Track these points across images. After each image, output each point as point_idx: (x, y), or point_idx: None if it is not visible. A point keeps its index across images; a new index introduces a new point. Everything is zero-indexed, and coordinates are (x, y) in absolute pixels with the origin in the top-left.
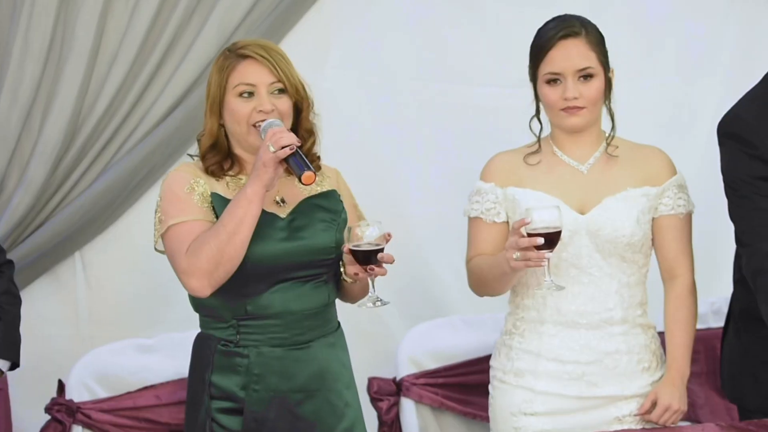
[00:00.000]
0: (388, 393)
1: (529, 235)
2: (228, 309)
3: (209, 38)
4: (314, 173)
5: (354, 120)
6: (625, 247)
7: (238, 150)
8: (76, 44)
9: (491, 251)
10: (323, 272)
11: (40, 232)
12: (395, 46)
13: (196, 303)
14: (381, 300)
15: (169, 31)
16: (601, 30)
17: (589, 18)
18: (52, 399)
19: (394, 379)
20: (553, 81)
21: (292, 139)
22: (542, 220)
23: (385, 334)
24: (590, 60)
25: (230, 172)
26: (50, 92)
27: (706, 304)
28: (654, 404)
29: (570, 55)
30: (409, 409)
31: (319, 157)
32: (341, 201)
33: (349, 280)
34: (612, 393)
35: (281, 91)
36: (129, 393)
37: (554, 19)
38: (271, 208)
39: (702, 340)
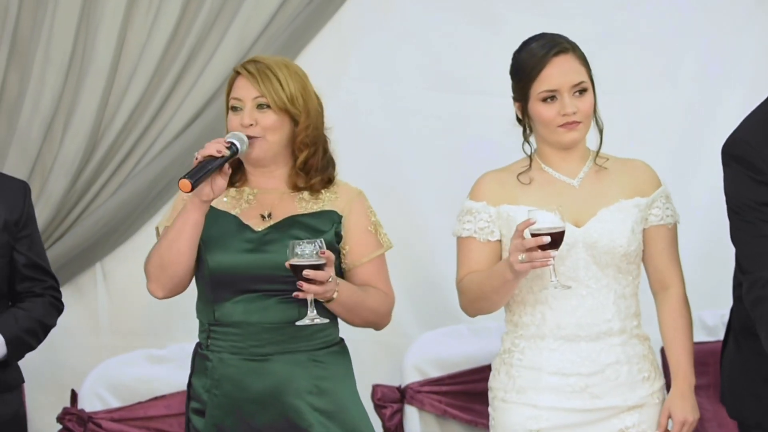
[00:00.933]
0: (391, 400)
1: (534, 235)
2: (203, 313)
3: (228, 51)
4: (190, 182)
5: (373, 131)
6: (621, 257)
7: (244, 162)
8: (97, 57)
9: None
10: (293, 289)
11: (61, 243)
12: (414, 57)
13: (196, 309)
14: (318, 318)
15: (189, 44)
16: (621, 45)
17: (607, 32)
18: (64, 409)
19: (398, 387)
20: (549, 99)
21: (209, 150)
22: (546, 221)
23: (403, 343)
24: (582, 74)
25: (237, 184)
26: (71, 105)
27: (716, 316)
28: (669, 418)
29: (565, 71)
30: (412, 417)
31: (328, 174)
32: (337, 223)
33: (301, 296)
34: (614, 404)
35: (266, 106)
36: (140, 403)
37: (536, 38)
38: (251, 221)
39: (711, 353)
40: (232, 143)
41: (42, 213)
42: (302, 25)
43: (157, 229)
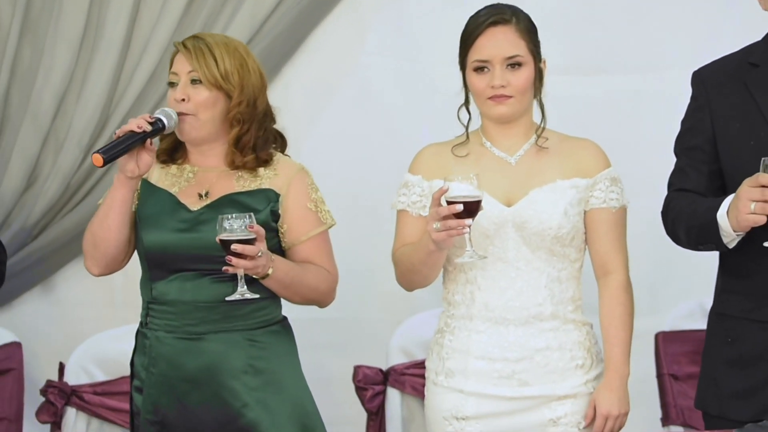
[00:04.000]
0: (374, 382)
1: (448, 203)
2: (143, 291)
3: (241, 26)
4: (102, 157)
5: (390, 107)
6: (552, 240)
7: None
8: (109, 31)
9: None
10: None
11: (74, 213)
12: (432, 32)
13: (139, 286)
14: (249, 293)
15: (201, 19)
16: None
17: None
18: (47, 381)
19: (381, 369)
20: (480, 69)
21: (130, 125)
22: (461, 189)
23: (390, 325)
24: (519, 48)
25: (179, 161)
26: (83, 79)
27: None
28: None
29: (498, 42)
30: (394, 399)
31: (265, 152)
32: (274, 201)
33: (231, 271)
34: (544, 392)
35: (198, 81)
36: (124, 377)
37: (486, 6)
38: (188, 200)
39: (700, 341)
40: (159, 119)
41: (53, 186)
42: (313, 4)
43: (99, 205)
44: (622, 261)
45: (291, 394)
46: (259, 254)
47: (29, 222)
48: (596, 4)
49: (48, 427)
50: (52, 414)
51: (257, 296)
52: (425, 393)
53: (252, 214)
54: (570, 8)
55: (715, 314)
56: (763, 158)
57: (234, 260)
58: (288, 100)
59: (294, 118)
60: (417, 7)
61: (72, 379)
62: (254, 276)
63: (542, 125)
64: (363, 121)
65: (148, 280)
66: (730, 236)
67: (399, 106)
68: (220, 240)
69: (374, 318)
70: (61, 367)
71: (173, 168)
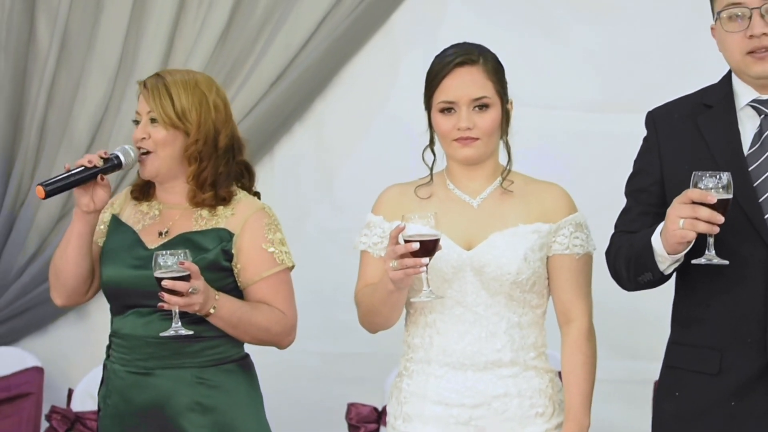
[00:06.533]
0: (366, 420)
1: (405, 242)
2: (110, 323)
3: (275, 57)
4: (44, 190)
5: (424, 139)
6: (511, 285)
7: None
8: (142, 62)
9: None
10: None
11: None
12: None
13: None
14: (183, 330)
15: (236, 50)
16: None
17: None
18: (51, 407)
19: (375, 408)
20: (447, 110)
21: (82, 160)
22: (418, 228)
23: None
24: (486, 89)
25: (151, 198)
26: (118, 107)
27: None
28: None
29: (465, 83)
30: None
31: (224, 190)
32: (227, 241)
33: (166, 307)
34: None
35: (155, 120)
36: None
37: (453, 45)
38: (147, 238)
39: None
40: (115, 155)
41: None
42: (350, 33)
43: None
44: (584, 308)
45: None
46: (192, 291)
47: None
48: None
49: None
50: None
51: (191, 333)
52: None
53: (187, 251)
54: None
55: (665, 366)
56: (694, 172)
57: (166, 296)
58: (322, 132)
59: (328, 150)
60: (450, 39)
61: (78, 405)
62: (194, 313)
63: (508, 167)
64: (397, 152)
65: (111, 313)
66: (665, 260)
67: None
68: (155, 277)
69: (368, 355)
70: (70, 393)
71: (144, 205)
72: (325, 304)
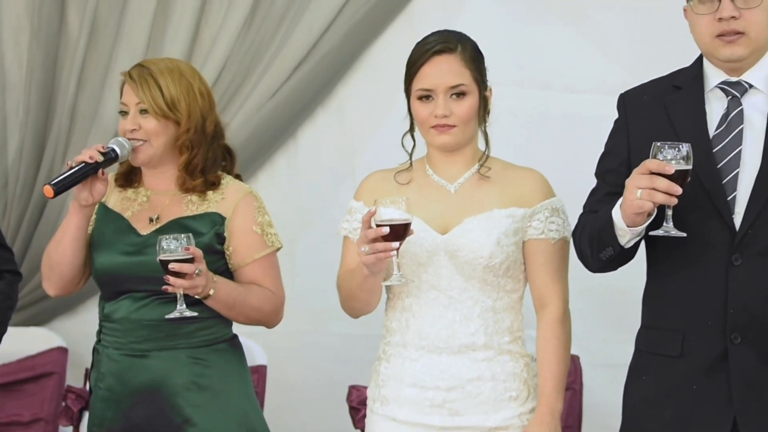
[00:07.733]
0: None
1: (378, 226)
2: (99, 309)
3: (296, 43)
4: (53, 189)
5: None
6: (484, 269)
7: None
8: (168, 47)
9: None
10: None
11: None
12: (488, 49)
13: None
14: (187, 311)
15: (260, 35)
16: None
17: None
18: (67, 386)
19: None
20: (425, 97)
21: (83, 156)
22: (390, 212)
23: None
24: (463, 77)
25: (135, 185)
26: None
27: None
28: None
29: (442, 71)
30: None
31: (213, 175)
32: (219, 225)
33: (170, 290)
34: (475, 423)
35: (146, 111)
36: None
37: (433, 33)
38: (138, 224)
39: None
40: (112, 149)
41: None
42: (370, 17)
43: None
44: (559, 293)
45: (236, 411)
46: (197, 273)
47: None
48: None
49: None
50: (69, 418)
51: (195, 314)
52: (365, 421)
53: (190, 235)
54: None
55: (635, 350)
56: (654, 143)
57: (172, 279)
58: (344, 115)
59: (350, 134)
60: (473, 24)
61: None
62: (195, 296)
63: (486, 153)
64: (417, 136)
65: (101, 299)
66: (624, 233)
67: None
68: (159, 260)
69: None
70: (87, 373)
71: (129, 192)
72: None
